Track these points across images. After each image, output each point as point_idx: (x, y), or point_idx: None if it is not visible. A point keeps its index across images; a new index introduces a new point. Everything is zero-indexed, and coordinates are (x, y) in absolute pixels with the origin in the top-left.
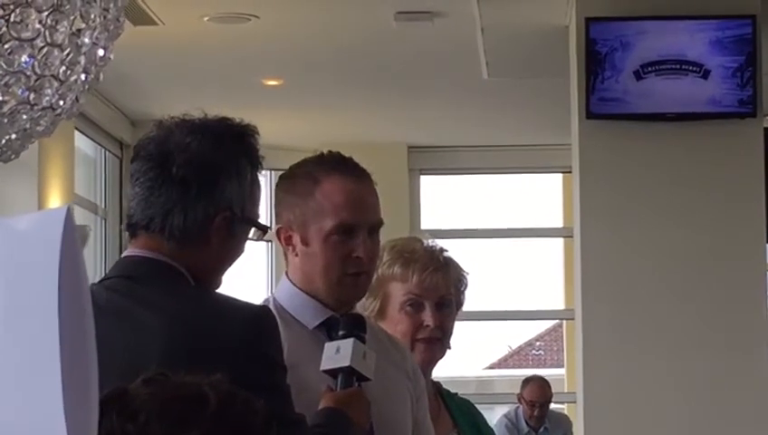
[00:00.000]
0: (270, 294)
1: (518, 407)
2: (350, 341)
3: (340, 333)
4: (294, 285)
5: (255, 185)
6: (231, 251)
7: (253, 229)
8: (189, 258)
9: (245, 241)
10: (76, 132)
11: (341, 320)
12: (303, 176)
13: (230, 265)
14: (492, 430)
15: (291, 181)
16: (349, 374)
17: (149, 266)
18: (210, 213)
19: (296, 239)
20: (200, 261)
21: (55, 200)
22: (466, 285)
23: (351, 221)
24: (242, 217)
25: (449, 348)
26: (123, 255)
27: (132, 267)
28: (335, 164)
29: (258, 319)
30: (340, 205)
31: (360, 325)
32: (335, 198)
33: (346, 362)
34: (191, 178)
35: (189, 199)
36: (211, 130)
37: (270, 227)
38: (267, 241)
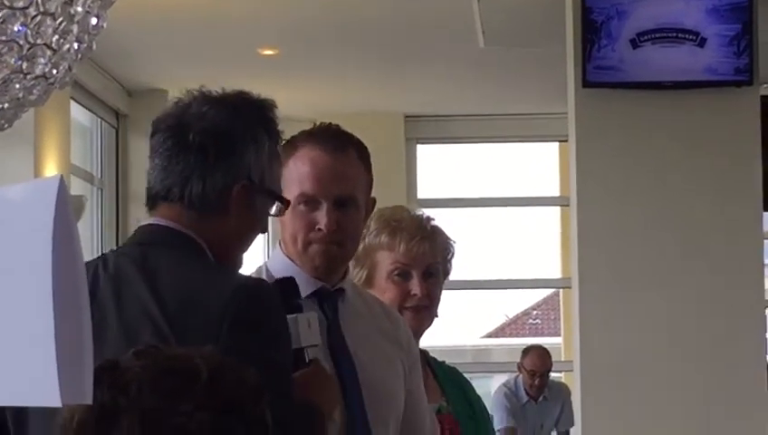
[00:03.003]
0: (263, 263)
1: (517, 376)
2: (295, 317)
3: None
4: (286, 255)
5: (275, 157)
6: (250, 223)
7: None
8: (209, 230)
9: (266, 216)
10: (72, 102)
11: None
12: (287, 143)
13: (250, 240)
14: (479, 397)
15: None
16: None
17: (163, 234)
18: (228, 181)
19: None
20: (220, 233)
21: (51, 171)
22: (453, 254)
23: (312, 192)
24: (261, 187)
25: (437, 316)
26: (141, 223)
27: (147, 235)
28: (313, 133)
29: (248, 290)
30: (304, 175)
31: (292, 290)
32: (302, 167)
33: (298, 344)
34: (208, 145)
35: (207, 167)
36: (229, 101)
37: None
38: None
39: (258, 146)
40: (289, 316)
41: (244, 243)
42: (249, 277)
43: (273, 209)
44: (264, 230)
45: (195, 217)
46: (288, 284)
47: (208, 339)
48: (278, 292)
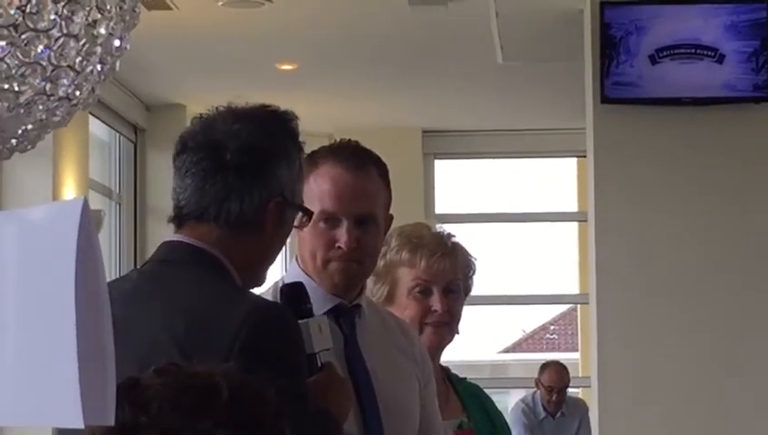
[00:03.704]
0: (279, 278)
1: (535, 392)
2: (306, 322)
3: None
4: (303, 270)
5: (301, 170)
6: (281, 238)
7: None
8: (240, 247)
9: (292, 228)
10: (90, 117)
11: (283, 297)
12: (308, 159)
13: (276, 255)
14: (500, 413)
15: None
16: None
17: (186, 252)
18: (264, 198)
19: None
20: (251, 250)
21: (70, 185)
22: (474, 271)
23: (332, 210)
24: (292, 202)
25: (457, 333)
26: (165, 239)
27: (170, 252)
28: (334, 150)
29: (258, 315)
30: (325, 192)
31: (301, 295)
32: (323, 184)
33: (310, 350)
34: (246, 164)
35: (246, 186)
36: (256, 117)
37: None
38: None
39: (290, 161)
40: (300, 321)
41: (273, 257)
42: (260, 301)
43: (296, 221)
44: (286, 241)
45: (227, 235)
46: (298, 289)
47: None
48: (291, 313)
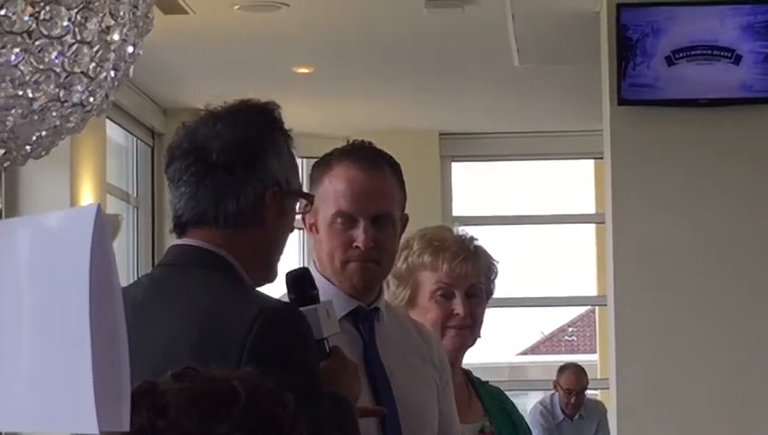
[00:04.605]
0: None
1: (553, 394)
2: (314, 308)
3: (292, 296)
4: (321, 274)
5: (292, 156)
6: (285, 228)
7: (298, 203)
8: (245, 244)
9: (294, 216)
10: (108, 121)
11: (289, 284)
12: (321, 161)
13: (285, 243)
14: (522, 417)
15: (315, 167)
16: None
17: (193, 254)
18: (260, 192)
19: (313, 225)
20: (256, 244)
21: (87, 190)
22: (496, 274)
23: (349, 210)
24: (289, 189)
25: (479, 337)
26: (172, 244)
27: (178, 255)
28: (348, 151)
29: (266, 317)
30: (341, 193)
31: (305, 280)
32: (338, 185)
33: (319, 335)
34: (233, 161)
35: (237, 183)
36: (236, 113)
37: (313, 197)
38: (299, 229)
39: (278, 150)
40: (308, 308)
41: (281, 247)
42: (269, 302)
43: (298, 207)
44: (293, 229)
45: (230, 234)
46: (303, 276)
47: (227, 365)
48: (300, 313)
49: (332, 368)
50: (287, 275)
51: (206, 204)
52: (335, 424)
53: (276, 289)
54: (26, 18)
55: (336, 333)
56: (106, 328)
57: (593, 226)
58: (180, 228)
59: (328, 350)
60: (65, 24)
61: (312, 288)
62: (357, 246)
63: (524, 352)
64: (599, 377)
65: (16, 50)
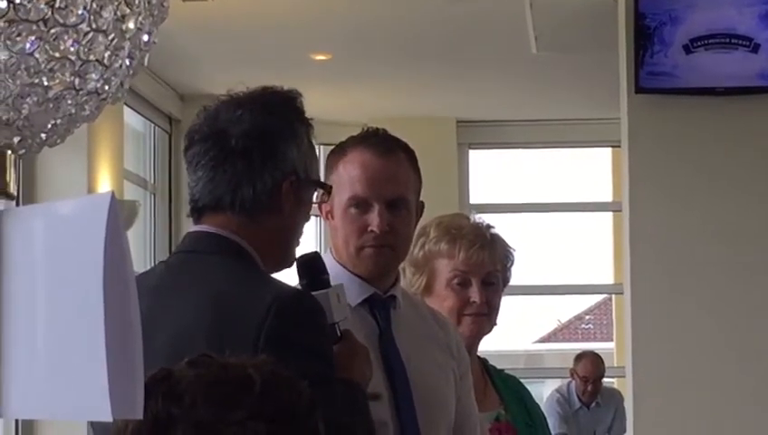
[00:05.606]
0: None
1: (570, 382)
2: (326, 292)
3: (303, 281)
4: (337, 261)
5: (311, 146)
6: (302, 217)
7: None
8: (261, 232)
9: (311, 205)
10: (125, 108)
11: (300, 268)
12: (336, 148)
13: (302, 231)
14: (537, 405)
15: (329, 155)
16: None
17: (209, 241)
18: (277, 180)
19: (329, 212)
20: (272, 232)
21: (105, 176)
22: (513, 262)
23: (363, 194)
24: (307, 179)
25: (496, 324)
26: (189, 230)
27: (195, 242)
28: (362, 138)
29: (281, 304)
30: (355, 178)
31: (315, 264)
32: (352, 170)
33: (331, 320)
34: (252, 148)
35: (255, 170)
36: (258, 100)
37: (331, 187)
38: (316, 216)
39: (298, 139)
40: (320, 292)
41: (297, 236)
42: (284, 289)
43: (315, 196)
44: (309, 218)
45: (245, 222)
46: (314, 260)
47: (243, 352)
48: (316, 303)
49: (344, 352)
50: (297, 259)
51: (222, 189)
52: (347, 409)
53: (290, 276)
54: (42, 6)
55: (346, 317)
56: (120, 316)
57: (610, 214)
58: (197, 213)
59: (339, 334)
60: (80, 12)
61: (322, 273)
62: (372, 231)
63: (541, 340)
64: (615, 365)
65: (32, 38)
